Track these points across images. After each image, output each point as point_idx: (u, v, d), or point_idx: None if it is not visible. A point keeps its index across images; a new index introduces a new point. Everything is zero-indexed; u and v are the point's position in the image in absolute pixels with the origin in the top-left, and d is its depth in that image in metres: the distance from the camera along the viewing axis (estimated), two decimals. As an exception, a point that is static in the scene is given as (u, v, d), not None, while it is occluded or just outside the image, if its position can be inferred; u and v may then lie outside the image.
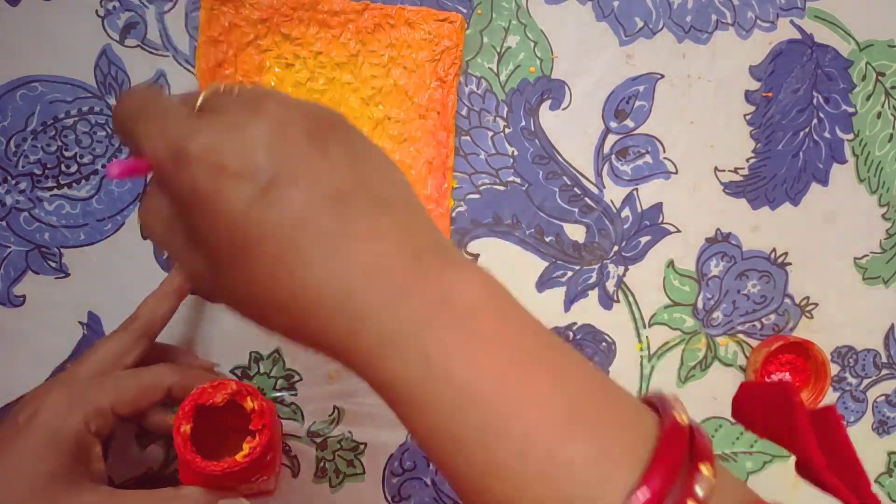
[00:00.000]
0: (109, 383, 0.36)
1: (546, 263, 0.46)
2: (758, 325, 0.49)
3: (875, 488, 0.51)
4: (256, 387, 0.44)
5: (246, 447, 0.35)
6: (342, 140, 0.25)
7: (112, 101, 0.42)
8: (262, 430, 0.35)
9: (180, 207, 0.24)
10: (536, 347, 0.24)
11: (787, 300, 0.49)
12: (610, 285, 0.47)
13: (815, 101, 0.47)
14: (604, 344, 0.47)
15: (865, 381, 0.50)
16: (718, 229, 0.48)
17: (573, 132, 0.45)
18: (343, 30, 0.42)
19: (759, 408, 0.26)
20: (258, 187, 0.23)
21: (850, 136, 0.48)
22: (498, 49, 0.44)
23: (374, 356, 0.23)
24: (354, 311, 0.23)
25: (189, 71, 0.42)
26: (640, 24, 0.45)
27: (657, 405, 0.24)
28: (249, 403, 0.36)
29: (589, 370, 0.24)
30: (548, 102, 0.45)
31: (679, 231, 0.47)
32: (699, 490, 0.21)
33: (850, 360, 0.50)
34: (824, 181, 0.48)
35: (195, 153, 0.23)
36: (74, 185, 0.42)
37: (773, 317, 0.49)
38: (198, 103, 0.25)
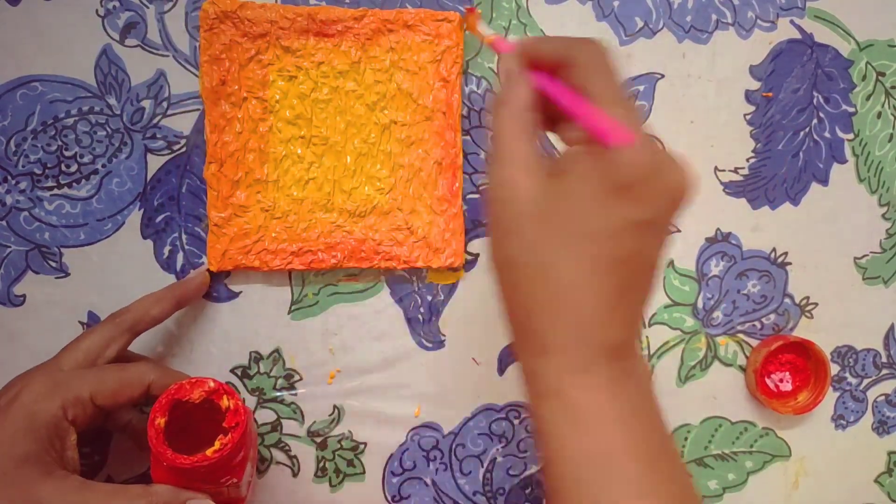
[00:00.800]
0: (92, 374, 0.36)
1: (546, 263, 0.46)
2: (758, 324, 0.49)
3: (875, 488, 0.51)
4: (256, 386, 0.45)
5: (217, 443, 0.35)
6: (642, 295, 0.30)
7: (112, 101, 0.42)
8: (234, 427, 0.36)
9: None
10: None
11: (787, 300, 0.49)
12: (610, 285, 0.47)
13: (815, 100, 0.47)
14: (604, 344, 0.47)
15: (865, 381, 0.50)
16: (718, 229, 0.48)
17: (573, 132, 0.45)
18: (342, 38, 0.42)
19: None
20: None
21: (850, 136, 0.48)
22: (498, 49, 0.44)
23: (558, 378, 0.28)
24: (567, 361, 0.28)
25: (189, 71, 0.42)
26: (640, 24, 0.45)
27: None
28: (225, 402, 0.36)
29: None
30: (548, 102, 0.45)
31: (679, 231, 0.47)
32: None
33: (850, 360, 0.50)
34: (824, 181, 0.48)
35: (613, 180, 0.26)
36: (74, 184, 0.42)
37: (773, 317, 0.49)
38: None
